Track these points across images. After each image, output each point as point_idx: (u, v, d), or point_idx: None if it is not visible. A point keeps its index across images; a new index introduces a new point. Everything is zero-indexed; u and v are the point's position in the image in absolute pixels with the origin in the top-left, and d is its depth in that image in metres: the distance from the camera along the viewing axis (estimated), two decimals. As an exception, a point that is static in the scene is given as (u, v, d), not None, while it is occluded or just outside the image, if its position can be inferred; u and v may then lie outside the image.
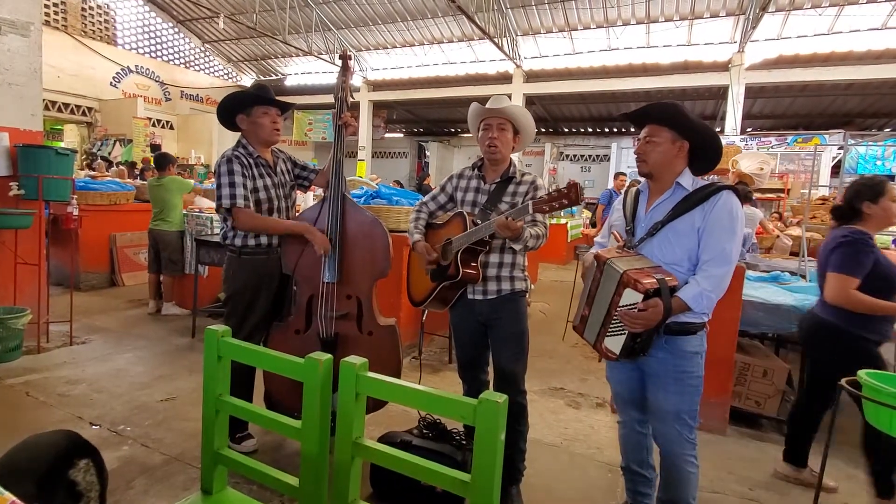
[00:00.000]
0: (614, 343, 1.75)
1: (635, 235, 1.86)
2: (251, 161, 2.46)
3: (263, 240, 2.49)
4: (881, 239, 5.40)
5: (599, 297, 1.79)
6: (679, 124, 1.79)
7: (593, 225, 9.21)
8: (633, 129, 17.47)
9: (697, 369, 1.80)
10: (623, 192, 2.07)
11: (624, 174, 8.14)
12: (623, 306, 1.68)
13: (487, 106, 2.21)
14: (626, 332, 1.70)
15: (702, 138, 1.80)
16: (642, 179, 1.97)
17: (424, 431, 2.34)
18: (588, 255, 1.99)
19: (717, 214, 1.71)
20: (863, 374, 1.73)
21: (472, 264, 2.16)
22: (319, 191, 4.08)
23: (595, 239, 2.20)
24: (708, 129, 1.83)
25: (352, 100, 2.62)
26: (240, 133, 2.54)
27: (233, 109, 2.49)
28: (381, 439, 2.31)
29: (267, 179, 2.52)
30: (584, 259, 2.09)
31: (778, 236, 5.73)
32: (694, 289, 1.68)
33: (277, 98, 2.55)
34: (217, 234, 4.61)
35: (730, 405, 3.07)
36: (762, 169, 5.13)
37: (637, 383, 1.94)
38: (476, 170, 2.33)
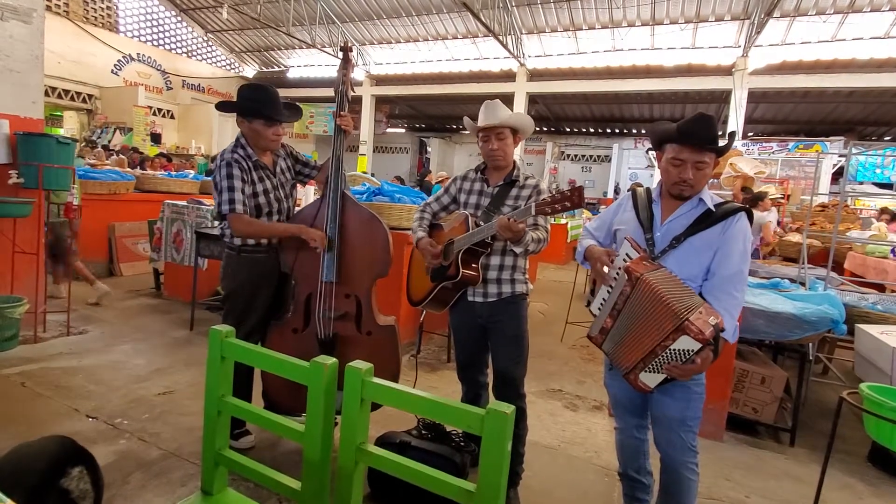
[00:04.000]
0: (651, 379, 1.70)
1: (655, 246, 1.81)
2: (250, 165, 2.40)
3: (263, 238, 2.47)
4: (879, 248, 5.41)
5: (632, 315, 1.69)
6: (725, 149, 1.74)
7: None
8: (634, 131, 17.50)
9: (701, 377, 1.79)
10: (630, 192, 2.02)
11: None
12: (675, 350, 1.59)
13: (480, 119, 2.20)
14: (666, 374, 1.67)
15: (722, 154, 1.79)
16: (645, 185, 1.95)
17: (423, 432, 2.34)
18: (595, 249, 1.89)
19: (735, 236, 1.71)
20: (864, 388, 1.73)
21: (473, 265, 2.15)
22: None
23: (587, 226, 2.16)
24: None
25: (353, 93, 2.58)
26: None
27: (234, 111, 2.43)
28: (380, 440, 2.31)
29: (266, 183, 2.47)
30: (587, 251, 1.95)
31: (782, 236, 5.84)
32: (731, 323, 1.67)
33: (284, 104, 2.47)
34: (217, 227, 4.60)
35: (727, 411, 3.07)
36: (762, 172, 5.22)
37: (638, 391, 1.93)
38: (479, 172, 2.32)
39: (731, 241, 1.71)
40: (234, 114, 2.45)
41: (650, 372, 1.68)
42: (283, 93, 2.51)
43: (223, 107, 2.50)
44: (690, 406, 1.80)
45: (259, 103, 2.39)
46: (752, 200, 6.41)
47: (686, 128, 1.70)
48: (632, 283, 1.66)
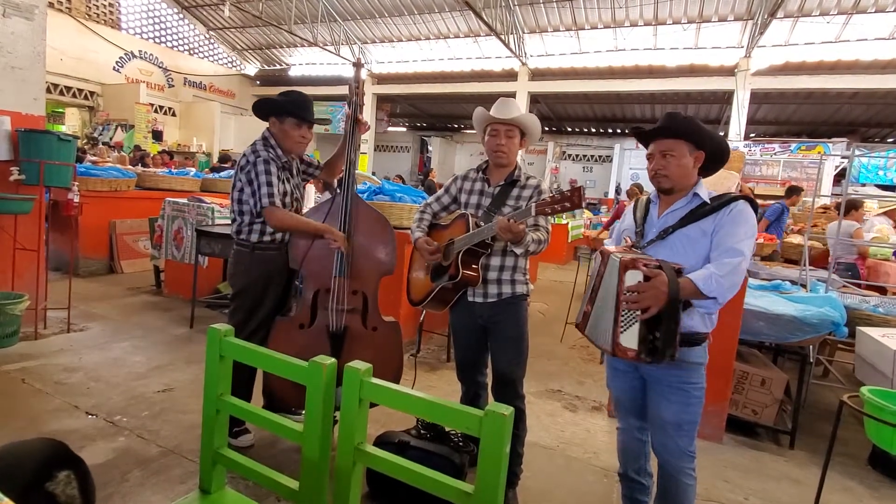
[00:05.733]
0: (630, 338, 1.62)
1: (644, 238, 1.85)
2: (281, 164, 2.51)
3: (277, 235, 2.52)
4: (882, 251, 5.40)
5: (604, 293, 1.73)
6: (698, 136, 1.77)
7: None
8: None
9: (700, 380, 1.78)
10: (634, 200, 2.06)
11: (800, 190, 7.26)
12: (629, 291, 1.60)
13: (494, 112, 2.19)
14: (638, 321, 1.60)
15: (718, 147, 1.80)
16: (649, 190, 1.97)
17: (422, 432, 2.34)
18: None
19: (731, 219, 1.70)
20: (865, 391, 1.73)
21: (473, 266, 2.15)
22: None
23: (605, 242, 2.20)
24: (720, 137, 1.83)
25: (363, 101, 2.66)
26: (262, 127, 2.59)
27: (269, 111, 2.54)
28: (379, 439, 2.31)
29: (290, 183, 2.58)
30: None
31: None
32: (704, 271, 1.63)
33: (314, 116, 2.60)
34: (218, 225, 4.60)
35: (727, 413, 3.06)
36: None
37: (639, 392, 1.93)
38: (480, 172, 2.32)
39: (730, 223, 1.69)
40: (264, 116, 2.57)
41: (625, 330, 1.63)
42: (284, 91, 2.59)
43: (259, 108, 2.59)
44: (687, 410, 1.78)
45: (292, 104, 2.53)
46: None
47: (651, 127, 1.82)
48: (604, 263, 1.73)
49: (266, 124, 2.59)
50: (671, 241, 1.78)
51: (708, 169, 1.85)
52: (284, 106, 2.52)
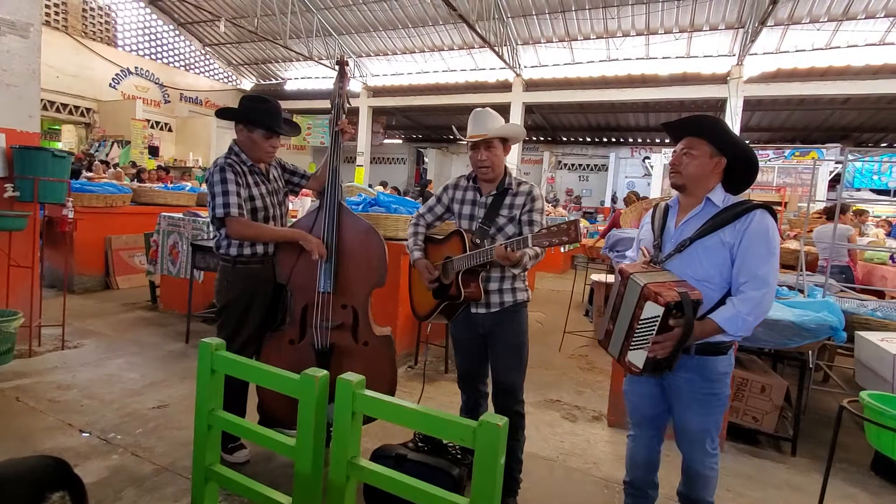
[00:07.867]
0: (637, 357, 1.71)
1: (663, 251, 1.83)
2: (245, 169, 2.42)
3: (259, 248, 2.45)
4: (878, 255, 5.41)
5: (623, 312, 1.77)
6: (720, 139, 1.74)
7: None
8: (630, 140, 17.60)
9: (725, 389, 1.78)
10: (653, 207, 2.04)
11: None
12: (644, 320, 1.65)
13: (469, 128, 2.18)
14: (647, 349, 1.68)
15: (742, 155, 1.76)
16: (674, 193, 1.96)
17: (420, 444, 2.31)
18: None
19: (752, 236, 1.66)
20: (865, 396, 1.72)
21: (473, 284, 2.15)
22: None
23: (627, 253, 2.19)
24: (747, 146, 1.78)
25: (348, 105, 2.60)
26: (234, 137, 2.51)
27: (235, 118, 2.46)
28: (376, 453, 2.28)
29: (262, 187, 2.48)
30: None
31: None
32: (729, 311, 1.64)
33: (284, 120, 2.51)
34: (214, 239, 4.59)
35: (727, 420, 3.04)
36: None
37: (658, 399, 1.91)
38: (471, 181, 2.31)
39: (749, 243, 1.66)
40: (233, 122, 2.48)
41: (634, 349, 1.72)
42: (286, 129, 2.53)
43: (224, 114, 2.51)
44: (710, 419, 1.79)
45: (260, 113, 2.43)
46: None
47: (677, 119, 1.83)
48: (624, 284, 1.75)
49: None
50: (690, 253, 1.75)
51: (736, 184, 1.81)
52: (251, 116, 2.42)
